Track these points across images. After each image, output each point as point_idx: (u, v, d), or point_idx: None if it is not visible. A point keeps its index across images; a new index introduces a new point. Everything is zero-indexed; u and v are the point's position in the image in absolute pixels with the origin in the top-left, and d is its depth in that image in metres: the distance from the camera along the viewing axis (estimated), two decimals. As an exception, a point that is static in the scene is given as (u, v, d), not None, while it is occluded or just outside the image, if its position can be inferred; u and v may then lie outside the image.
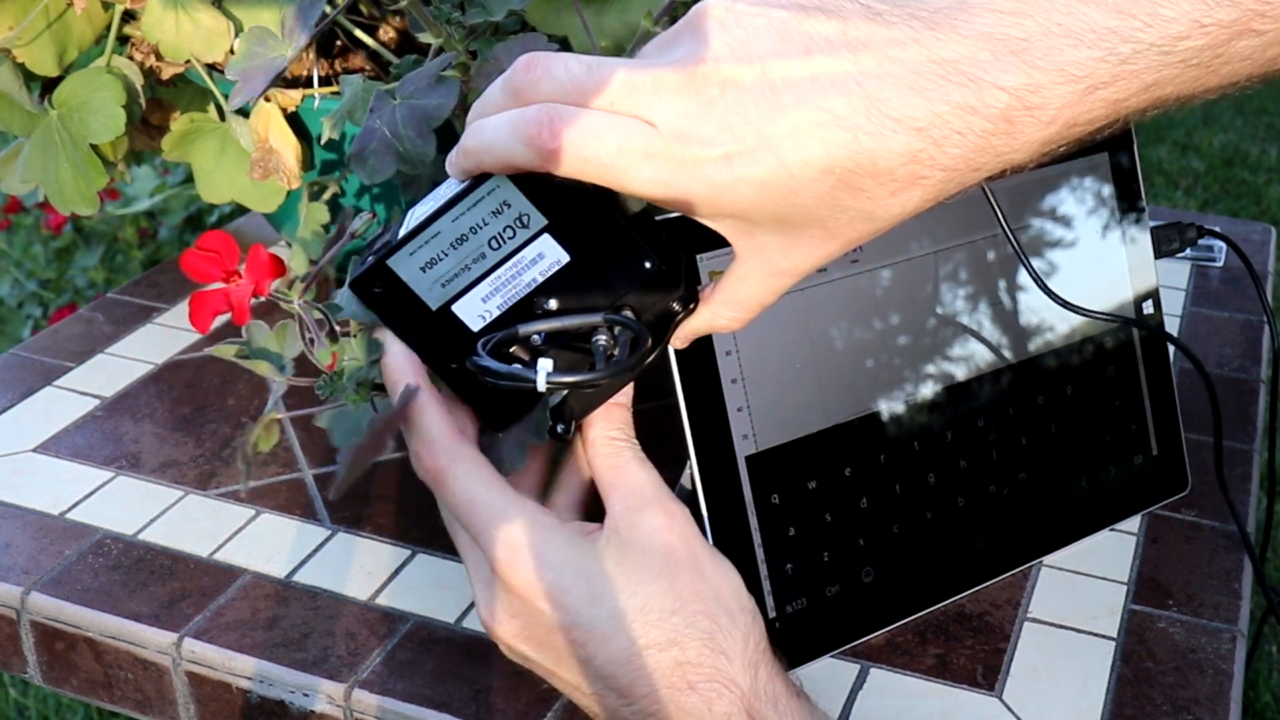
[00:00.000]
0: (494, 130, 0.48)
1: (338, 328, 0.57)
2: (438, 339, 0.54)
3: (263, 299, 0.56)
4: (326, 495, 0.73)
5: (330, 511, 0.72)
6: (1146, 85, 0.41)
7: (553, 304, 0.52)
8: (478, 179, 0.51)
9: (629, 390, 0.56)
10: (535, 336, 0.52)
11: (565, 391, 0.54)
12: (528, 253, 0.52)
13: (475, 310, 0.53)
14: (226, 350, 0.57)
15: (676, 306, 0.53)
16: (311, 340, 0.56)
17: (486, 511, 0.51)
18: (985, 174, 0.44)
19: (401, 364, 0.53)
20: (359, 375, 0.56)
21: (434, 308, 0.54)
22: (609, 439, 0.54)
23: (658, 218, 0.56)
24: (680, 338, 0.53)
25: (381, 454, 0.52)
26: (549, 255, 0.52)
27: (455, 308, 0.53)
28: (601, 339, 0.51)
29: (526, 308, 0.53)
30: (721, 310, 0.51)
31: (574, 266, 0.52)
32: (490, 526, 0.51)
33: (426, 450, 0.52)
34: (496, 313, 0.53)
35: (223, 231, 0.55)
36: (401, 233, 0.53)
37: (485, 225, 0.52)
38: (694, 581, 0.51)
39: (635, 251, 0.51)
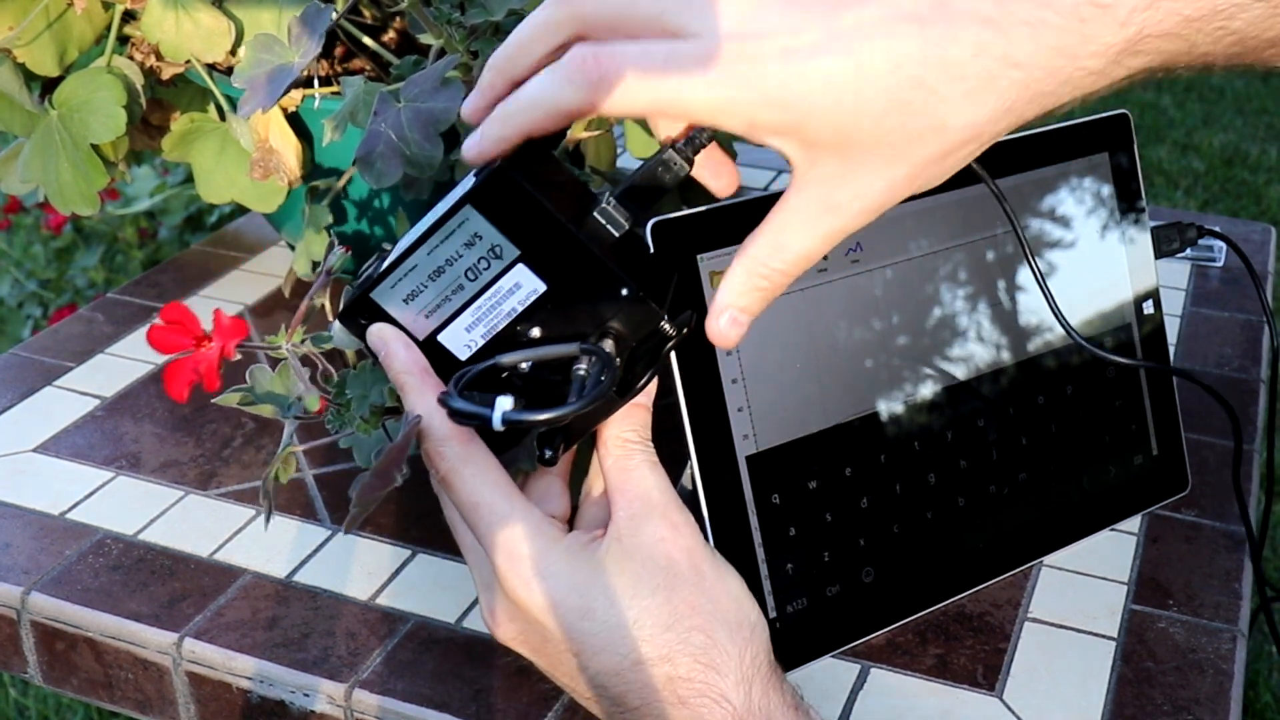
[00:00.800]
0: (536, 85, 0.45)
1: (330, 369, 0.58)
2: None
3: (231, 360, 0.57)
4: (332, 501, 0.73)
5: (330, 511, 0.72)
6: (1216, 8, 0.40)
7: (536, 332, 0.52)
8: (450, 210, 0.51)
9: (650, 391, 0.55)
10: (522, 366, 0.52)
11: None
12: (504, 283, 0.52)
13: (461, 340, 0.53)
14: (231, 399, 0.57)
15: (669, 329, 0.52)
16: (301, 396, 0.57)
17: (490, 516, 0.51)
18: (1061, 83, 0.42)
19: (405, 364, 0.53)
20: (366, 404, 0.56)
21: (420, 339, 0.54)
22: (622, 440, 0.54)
23: (662, 218, 0.56)
24: (728, 310, 0.48)
25: (392, 486, 0.52)
26: (525, 285, 0.52)
27: (441, 338, 0.54)
28: (581, 369, 0.51)
29: (511, 336, 0.53)
30: (768, 257, 0.46)
31: (551, 295, 0.52)
32: (492, 532, 0.51)
33: (436, 452, 0.52)
34: (481, 342, 0.53)
35: (179, 303, 0.56)
36: (385, 264, 0.54)
37: (460, 257, 0.52)
38: (692, 595, 0.51)
39: (610, 277, 0.51)
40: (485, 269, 0.52)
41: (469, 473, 0.52)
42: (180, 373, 0.56)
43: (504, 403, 0.50)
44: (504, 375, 0.52)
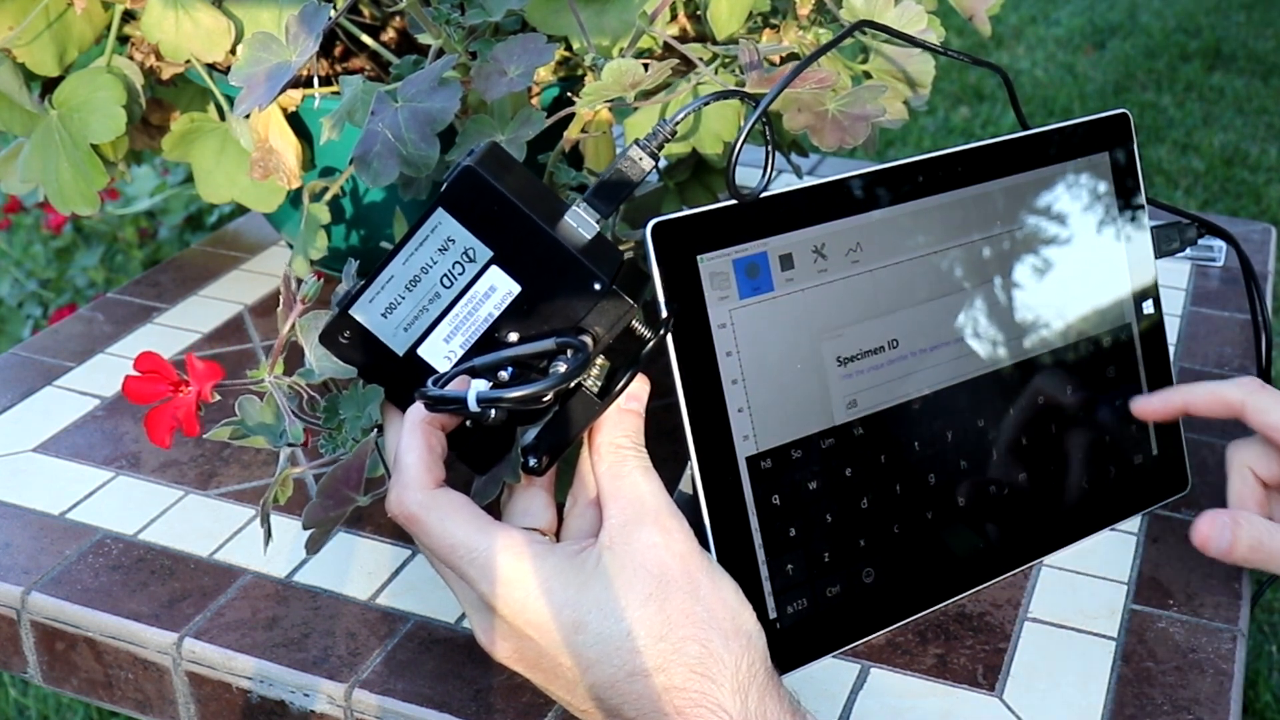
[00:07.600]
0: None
1: (317, 396, 0.58)
2: (410, 385, 0.54)
3: (208, 402, 0.57)
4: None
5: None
6: None
7: (513, 337, 0.52)
8: (422, 216, 0.52)
9: (642, 396, 0.55)
10: (503, 372, 0.52)
11: (538, 427, 0.54)
12: (479, 287, 0.52)
13: (440, 352, 0.53)
14: (221, 433, 0.57)
15: (643, 331, 0.53)
16: (281, 431, 0.57)
17: (468, 553, 0.51)
18: None
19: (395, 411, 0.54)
20: (359, 424, 0.56)
21: (400, 353, 0.54)
22: (614, 446, 0.53)
23: (661, 219, 0.56)
24: None
25: (352, 506, 0.52)
26: (500, 287, 0.52)
27: (421, 351, 0.54)
28: (561, 365, 0.51)
29: (489, 344, 0.53)
30: None
31: (526, 296, 0.52)
32: (472, 566, 0.51)
33: (397, 499, 0.52)
34: (460, 352, 0.53)
35: (151, 353, 0.57)
36: (356, 278, 0.54)
37: (435, 264, 0.52)
38: (685, 603, 0.51)
39: (582, 273, 0.51)
40: (460, 274, 0.52)
41: (434, 518, 0.51)
42: (160, 420, 0.57)
43: (478, 384, 0.50)
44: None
